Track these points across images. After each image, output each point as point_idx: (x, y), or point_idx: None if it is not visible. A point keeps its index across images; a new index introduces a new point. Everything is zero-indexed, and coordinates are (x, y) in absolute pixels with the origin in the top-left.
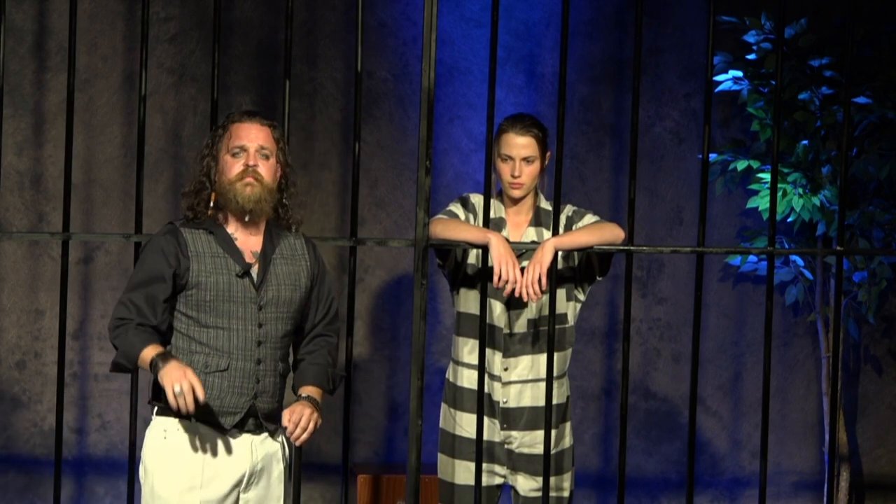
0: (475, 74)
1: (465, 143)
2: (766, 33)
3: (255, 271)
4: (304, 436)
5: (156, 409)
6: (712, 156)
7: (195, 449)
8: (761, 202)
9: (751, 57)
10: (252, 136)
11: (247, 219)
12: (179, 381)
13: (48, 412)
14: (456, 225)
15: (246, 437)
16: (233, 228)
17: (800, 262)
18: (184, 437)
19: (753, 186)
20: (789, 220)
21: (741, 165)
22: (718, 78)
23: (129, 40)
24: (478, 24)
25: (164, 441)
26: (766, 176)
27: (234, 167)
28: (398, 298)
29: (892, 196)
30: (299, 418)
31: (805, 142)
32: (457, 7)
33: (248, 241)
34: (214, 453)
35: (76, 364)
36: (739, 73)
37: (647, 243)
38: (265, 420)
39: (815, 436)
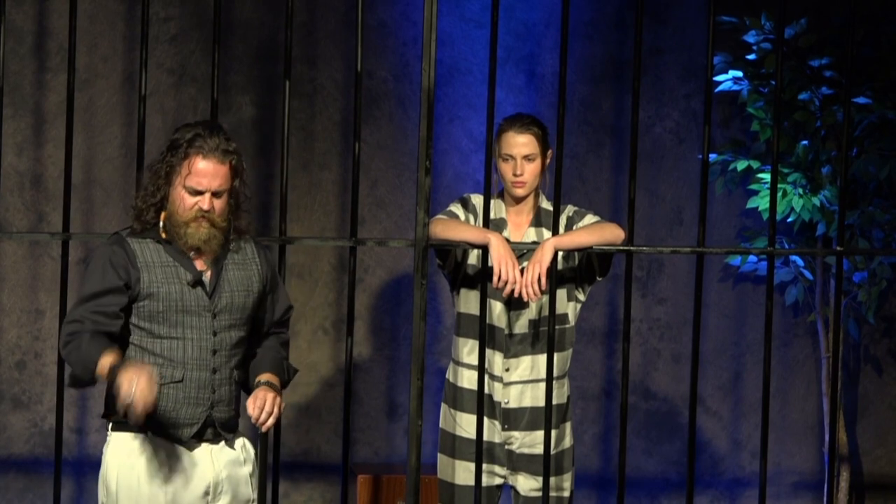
0: (475, 75)
1: (465, 143)
2: (766, 33)
3: (207, 278)
4: (270, 420)
5: (111, 424)
6: (712, 156)
7: (157, 466)
8: (761, 202)
9: (751, 57)
10: (209, 178)
11: (192, 255)
12: (129, 389)
13: (48, 412)
14: (456, 225)
15: (205, 448)
16: None
17: (800, 262)
18: (144, 455)
19: (753, 186)
20: (789, 220)
21: (741, 165)
22: (718, 78)
23: (129, 40)
24: (478, 24)
25: (125, 460)
26: (766, 176)
27: (187, 205)
28: (398, 298)
29: (892, 196)
30: (263, 403)
31: (805, 142)
32: (457, 7)
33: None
34: (177, 469)
35: None
36: (739, 74)
37: (647, 243)
38: (222, 429)
39: (815, 436)
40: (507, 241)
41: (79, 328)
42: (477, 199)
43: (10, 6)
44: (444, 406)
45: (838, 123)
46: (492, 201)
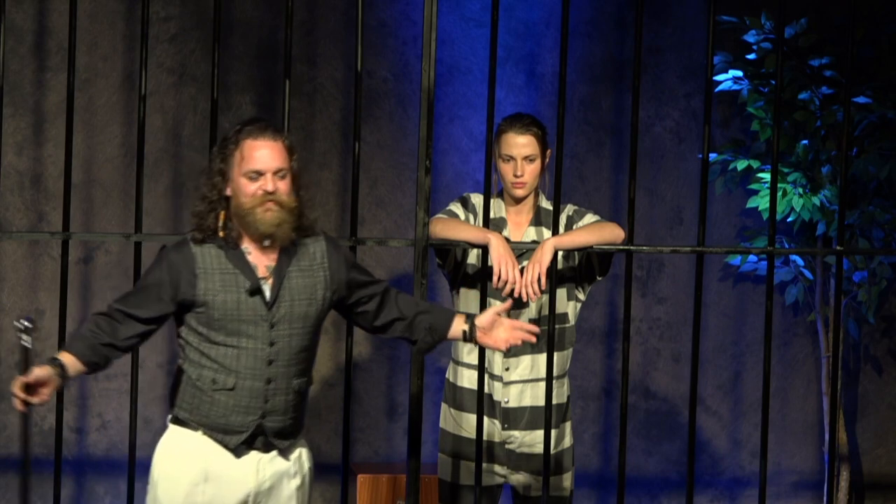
0: (475, 74)
1: (465, 143)
2: (766, 33)
3: (268, 287)
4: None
5: (170, 416)
6: (712, 156)
7: (201, 465)
8: (761, 202)
9: (751, 57)
10: (268, 159)
11: (266, 243)
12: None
13: (48, 412)
14: (456, 224)
15: (253, 456)
16: (247, 243)
17: (800, 261)
18: (191, 452)
19: (753, 186)
20: (789, 219)
21: (741, 165)
22: (718, 78)
23: (129, 40)
24: (478, 23)
25: (172, 453)
26: (766, 176)
27: (251, 191)
28: None
29: (892, 196)
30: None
31: (805, 142)
32: (457, 7)
33: (263, 255)
34: (219, 472)
35: None
36: (739, 73)
37: (647, 243)
38: (275, 438)
39: (815, 436)
40: (507, 240)
41: (100, 324)
42: (477, 199)
43: (10, 6)
44: (444, 406)
45: (838, 123)
46: (492, 201)
